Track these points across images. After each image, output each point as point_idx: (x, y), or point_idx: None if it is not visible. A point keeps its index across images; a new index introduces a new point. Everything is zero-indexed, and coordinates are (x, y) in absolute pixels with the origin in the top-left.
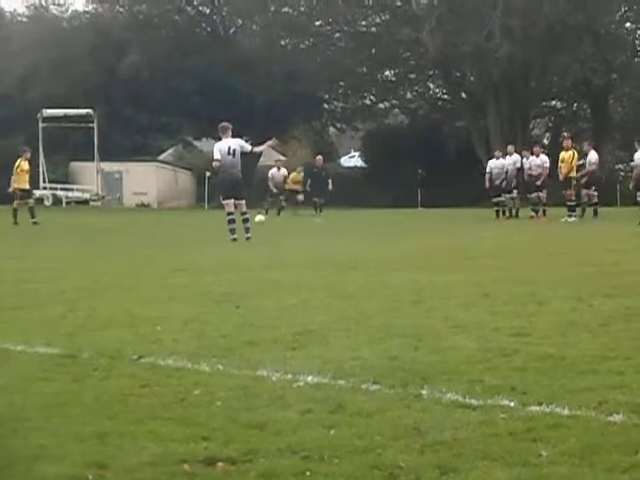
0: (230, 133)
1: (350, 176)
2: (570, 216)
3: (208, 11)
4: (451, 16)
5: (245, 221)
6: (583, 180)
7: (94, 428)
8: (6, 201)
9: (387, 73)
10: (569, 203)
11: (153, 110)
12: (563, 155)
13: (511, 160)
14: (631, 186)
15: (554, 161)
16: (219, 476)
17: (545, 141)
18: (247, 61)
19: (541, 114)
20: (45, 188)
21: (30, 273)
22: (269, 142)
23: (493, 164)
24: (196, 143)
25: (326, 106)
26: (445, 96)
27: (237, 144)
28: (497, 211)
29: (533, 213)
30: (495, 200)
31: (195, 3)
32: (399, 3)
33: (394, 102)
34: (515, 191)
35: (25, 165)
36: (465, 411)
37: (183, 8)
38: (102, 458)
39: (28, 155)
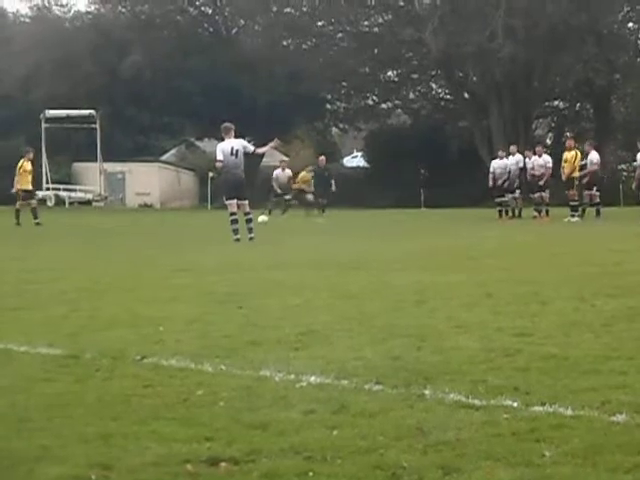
0: (233, 133)
1: (353, 176)
2: (573, 216)
3: (210, 11)
4: (454, 16)
5: (248, 221)
6: (584, 180)
7: (97, 429)
8: (9, 202)
9: (390, 73)
10: (572, 203)
11: (155, 110)
12: (566, 155)
13: (514, 160)
14: (634, 186)
15: (557, 161)
16: (222, 476)
17: (548, 141)
18: (249, 61)
19: (544, 114)
20: (48, 189)
21: (31, 274)
22: (271, 143)
23: (496, 164)
24: (198, 143)
25: (329, 106)
26: (448, 96)
27: (240, 144)
28: (500, 211)
29: (536, 213)
30: (498, 200)
31: (197, 3)
32: (402, 3)
33: (397, 102)
34: (518, 191)
35: (28, 166)
36: (468, 411)
37: (185, 8)
38: (105, 459)
39: (31, 156)
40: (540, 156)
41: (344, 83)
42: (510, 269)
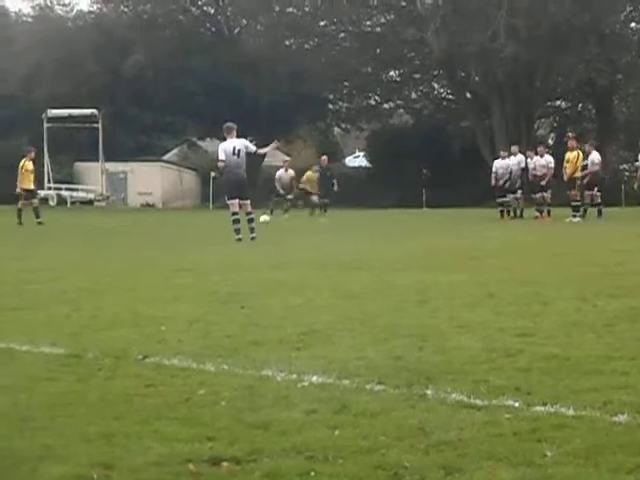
0: (235, 133)
1: (355, 176)
2: (574, 216)
3: (212, 11)
4: (456, 16)
5: (250, 221)
6: (585, 181)
7: (99, 428)
8: (11, 201)
9: (392, 73)
10: (573, 203)
11: (157, 110)
12: (568, 155)
13: (515, 160)
14: (636, 186)
15: (559, 161)
16: (224, 476)
17: (550, 141)
18: (251, 61)
19: (546, 114)
20: (50, 188)
21: (33, 274)
22: (272, 145)
23: (498, 164)
24: (200, 143)
25: (331, 106)
26: (450, 96)
27: (242, 144)
28: (501, 211)
29: (537, 213)
30: (499, 200)
31: (199, 3)
32: (404, 3)
33: (399, 102)
34: (519, 191)
35: (29, 165)
36: (470, 411)
37: (187, 8)
38: (107, 458)
39: (32, 155)
40: (542, 156)
41: (346, 83)
42: (512, 269)
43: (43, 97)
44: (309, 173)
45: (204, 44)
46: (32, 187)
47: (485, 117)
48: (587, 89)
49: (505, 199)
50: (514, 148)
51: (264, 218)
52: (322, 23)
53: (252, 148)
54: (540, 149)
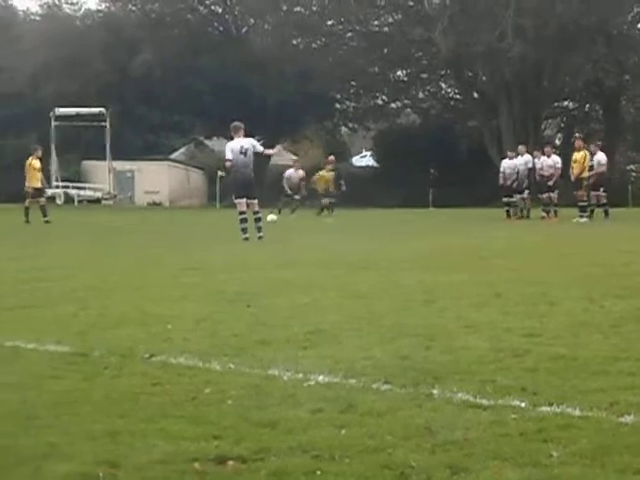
0: (242, 132)
1: (362, 176)
2: (582, 217)
3: (220, 10)
4: (463, 16)
5: (257, 220)
6: (591, 181)
7: (105, 426)
8: (18, 199)
9: (399, 73)
10: (580, 204)
11: (165, 109)
12: (575, 156)
13: (522, 160)
14: None
15: (566, 162)
16: (230, 475)
17: (557, 142)
18: (259, 60)
19: (553, 114)
20: (57, 187)
21: (42, 272)
22: (278, 146)
23: (506, 164)
24: (208, 142)
25: (338, 106)
26: (457, 96)
27: (249, 144)
28: (507, 211)
29: (544, 213)
30: (505, 200)
31: (207, 2)
32: (411, 3)
33: (406, 102)
34: (526, 191)
35: (37, 163)
36: (476, 411)
37: (195, 7)
38: (113, 456)
39: (39, 153)
40: (549, 156)
41: (353, 82)
42: (519, 269)
43: (51, 95)
44: (322, 172)
45: (212, 43)
46: (39, 185)
47: (492, 117)
48: (594, 89)
49: (512, 199)
50: (521, 148)
51: (272, 217)
52: (329, 22)
53: (259, 148)
54: (547, 149)
